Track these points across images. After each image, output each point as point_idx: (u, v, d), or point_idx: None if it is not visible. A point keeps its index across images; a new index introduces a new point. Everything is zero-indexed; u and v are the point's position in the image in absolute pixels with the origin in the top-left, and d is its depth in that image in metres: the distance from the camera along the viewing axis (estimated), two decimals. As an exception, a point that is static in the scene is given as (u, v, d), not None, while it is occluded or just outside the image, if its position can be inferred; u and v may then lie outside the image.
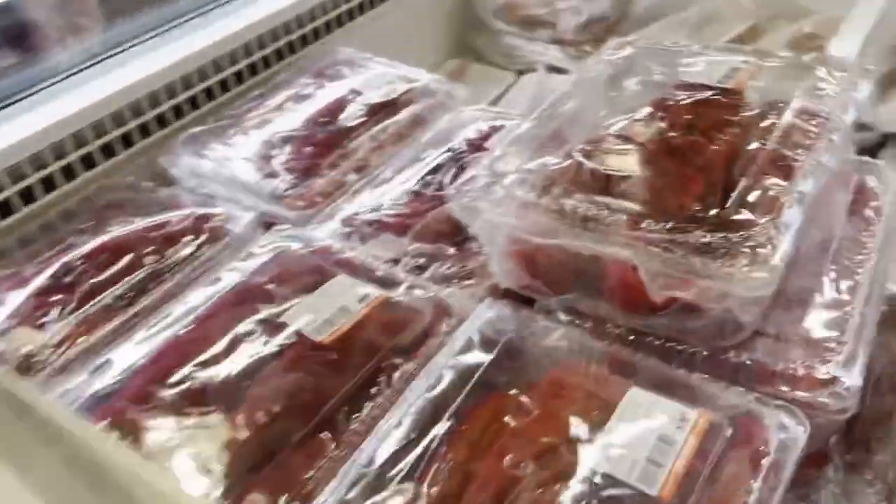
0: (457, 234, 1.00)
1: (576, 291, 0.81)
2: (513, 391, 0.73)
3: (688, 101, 0.88)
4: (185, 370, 0.79)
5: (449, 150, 1.17)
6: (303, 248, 0.97)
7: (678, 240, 0.69)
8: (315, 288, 0.89)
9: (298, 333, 0.82)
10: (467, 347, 0.78)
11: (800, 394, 0.72)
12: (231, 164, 1.17)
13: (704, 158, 0.78)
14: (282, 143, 1.22)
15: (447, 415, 0.71)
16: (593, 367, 0.75)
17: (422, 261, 0.95)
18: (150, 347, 0.84)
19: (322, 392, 0.76)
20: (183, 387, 0.77)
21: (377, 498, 0.65)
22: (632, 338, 0.80)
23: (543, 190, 0.80)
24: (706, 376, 0.72)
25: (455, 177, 1.09)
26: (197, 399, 0.77)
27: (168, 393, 0.77)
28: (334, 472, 0.69)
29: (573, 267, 0.79)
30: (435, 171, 1.12)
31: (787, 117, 0.82)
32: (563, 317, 0.84)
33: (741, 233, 0.68)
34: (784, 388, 0.73)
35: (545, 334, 0.79)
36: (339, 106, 1.29)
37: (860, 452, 0.82)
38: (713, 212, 0.73)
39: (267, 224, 1.07)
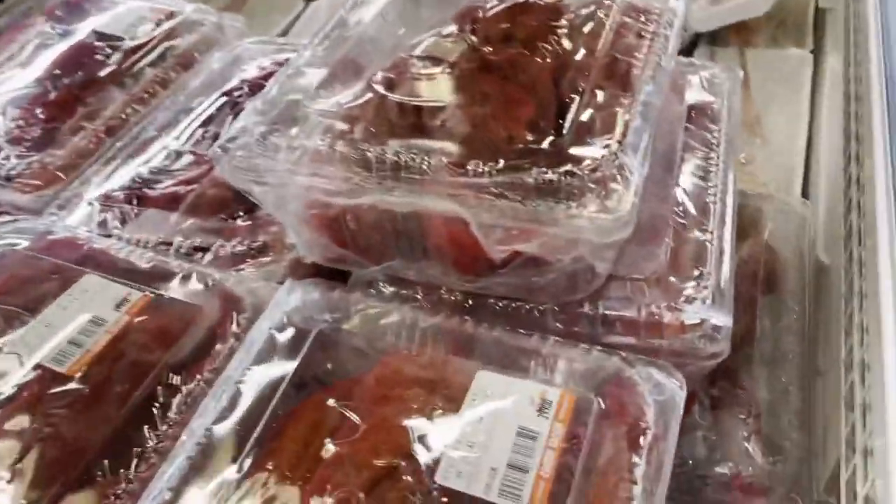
0: (242, 201, 0.81)
1: (397, 258, 0.65)
2: (331, 400, 0.56)
3: (500, 7, 0.72)
4: None
5: (224, 95, 0.95)
6: (36, 244, 0.73)
7: (513, 182, 0.54)
8: (55, 297, 0.66)
9: (36, 367, 0.60)
10: (268, 350, 0.60)
11: (667, 342, 0.62)
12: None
13: (529, 75, 0.64)
14: (5, 108, 0.95)
15: (247, 450, 0.54)
16: (429, 350, 0.60)
17: (199, 240, 0.74)
18: None
19: (69, 447, 0.56)
20: None
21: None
22: (470, 303, 0.66)
23: (340, 135, 0.62)
24: (562, 340, 0.59)
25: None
26: None
27: None
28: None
29: (390, 229, 0.62)
30: (208, 122, 0.90)
31: (616, 16, 0.69)
32: (386, 290, 0.69)
33: (586, 164, 0.55)
34: (650, 339, 0.62)
35: (367, 316, 0.63)
36: (79, 53, 1.02)
37: (724, 384, 0.75)
38: (548, 140, 0.59)
39: (-9, 216, 0.81)
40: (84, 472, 0.55)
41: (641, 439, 0.52)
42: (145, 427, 0.58)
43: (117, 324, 0.63)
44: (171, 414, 0.58)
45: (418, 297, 0.66)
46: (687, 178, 0.72)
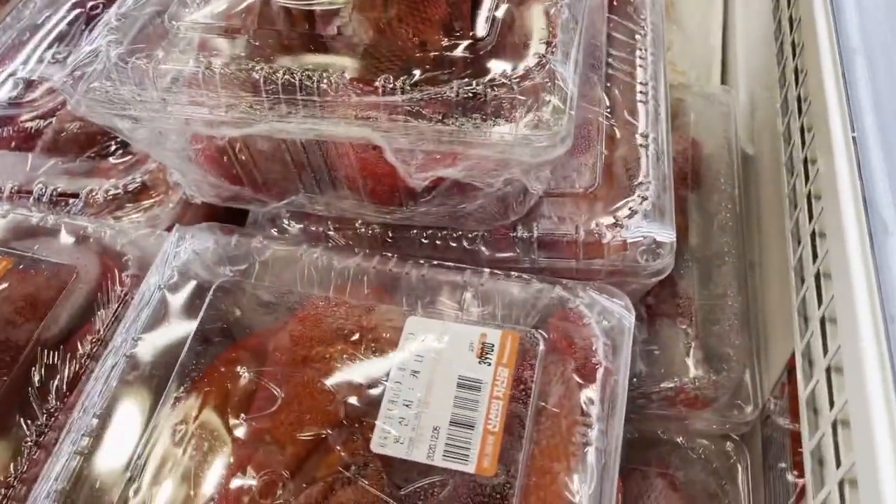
0: (112, 136, 0.69)
1: (301, 191, 0.56)
2: (240, 367, 0.49)
3: None
4: None
5: (77, 7, 0.80)
6: None
7: (431, 98, 0.46)
8: None
9: None
10: (160, 313, 0.52)
11: (608, 262, 0.57)
12: None
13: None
14: None
15: (144, 437, 0.46)
16: (348, 296, 0.53)
17: (63, 185, 0.63)
18: None
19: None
20: None
21: None
22: (390, 236, 0.59)
23: (217, 53, 0.52)
24: (497, 273, 0.53)
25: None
26: None
27: None
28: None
29: (289, 159, 0.54)
30: (60, 41, 0.76)
31: None
32: (291, 227, 0.61)
33: (515, 72, 0.47)
34: (590, 259, 0.57)
35: (274, 262, 0.54)
36: None
37: (660, 292, 0.71)
38: (466, 45, 0.50)
39: None
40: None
41: (593, 375, 0.48)
42: (21, 418, 0.49)
43: (-28, 296, 0.53)
44: (52, 400, 0.49)
45: (331, 233, 0.58)
46: (614, 75, 0.66)
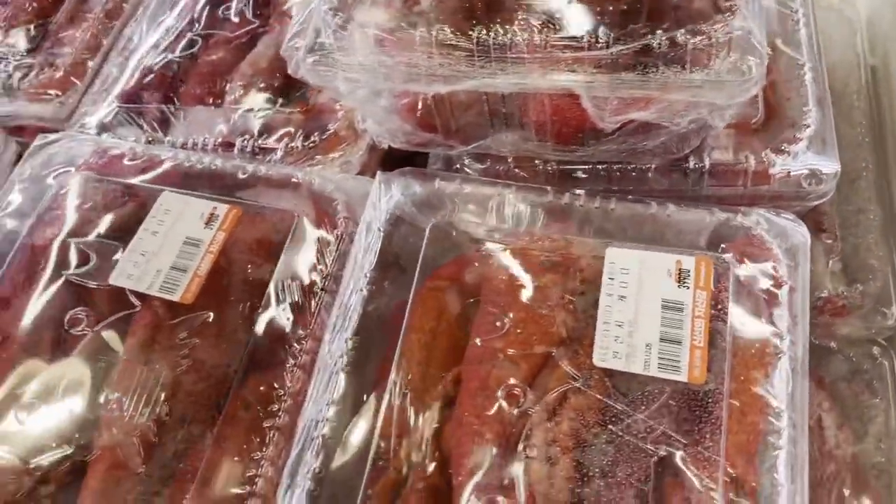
0: (281, 78, 0.76)
1: (489, 136, 0.62)
2: (452, 291, 0.56)
3: None
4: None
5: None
6: (92, 163, 0.68)
7: (635, 50, 0.51)
8: (136, 222, 0.63)
9: (149, 298, 0.59)
10: (384, 253, 0.59)
11: (774, 188, 0.62)
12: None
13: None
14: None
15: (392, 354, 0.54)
16: (545, 230, 0.59)
17: (254, 133, 0.69)
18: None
19: (210, 375, 0.56)
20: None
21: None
22: (567, 170, 0.65)
23: (416, 14, 0.57)
24: (683, 203, 0.59)
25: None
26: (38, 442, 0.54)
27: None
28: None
29: (486, 110, 0.59)
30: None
31: None
32: (471, 167, 0.67)
33: (711, 21, 0.51)
34: (757, 186, 0.62)
35: (475, 202, 0.61)
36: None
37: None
38: (651, -7, 0.54)
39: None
40: (233, 397, 0.56)
41: (778, 292, 0.54)
42: (277, 344, 0.58)
43: (215, 242, 0.61)
44: (300, 330, 0.58)
45: (517, 173, 0.64)
46: (769, 5, 0.69)
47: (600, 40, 0.51)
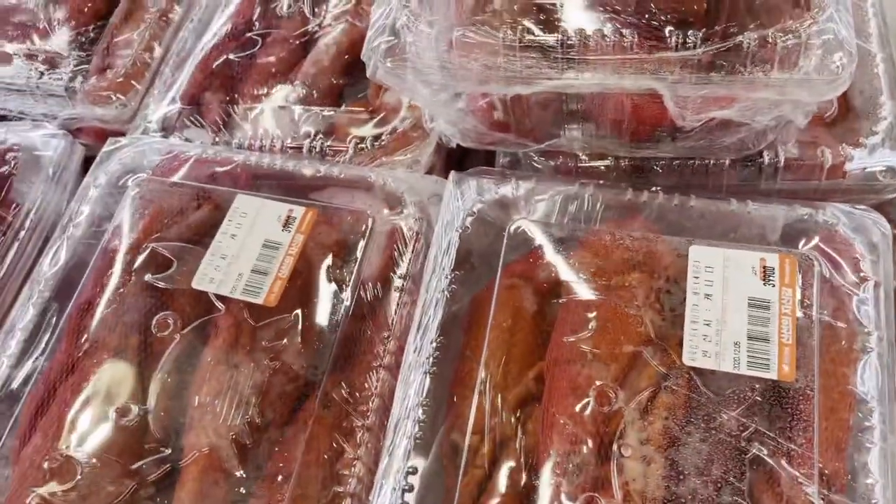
0: (344, 77, 0.76)
1: (563, 135, 0.62)
2: (529, 292, 0.57)
3: None
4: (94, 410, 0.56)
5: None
6: (164, 167, 0.69)
7: (723, 51, 0.51)
8: (212, 226, 0.64)
9: (232, 302, 0.60)
10: (462, 253, 0.60)
11: (849, 182, 0.62)
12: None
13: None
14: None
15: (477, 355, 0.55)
16: (624, 227, 0.60)
17: (319, 133, 0.70)
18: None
19: (297, 376, 0.57)
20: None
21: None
22: (642, 165, 0.65)
23: (490, 13, 0.57)
24: (763, 200, 0.59)
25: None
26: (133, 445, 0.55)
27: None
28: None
29: (562, 109, 0.59)
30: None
31: None
32: (542, 164, 0.67)
33: (798, 21, 0.51)
34: (832, 180, 0.62)
35: (554, 200, 0.61)
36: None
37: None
38: (735, -7, 0.54)
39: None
40: (321, 398, 0.57)
41: (863, 288, 0.54)
42: (361, 346, 0.59)
43: (294, 244, 0.62)
44: (384, 334, 0.59)
45: (589, 168, 0.65)
46: (837, -4, 0.68)
47: (689, 41, 0.51)
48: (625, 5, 0.54)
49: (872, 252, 0.56)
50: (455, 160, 0.74)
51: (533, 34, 0.53)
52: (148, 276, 0.61)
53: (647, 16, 0.54)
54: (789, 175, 0.63)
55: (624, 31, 0.53)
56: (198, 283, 0.60)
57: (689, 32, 0.52)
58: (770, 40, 0.50)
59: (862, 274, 0.55)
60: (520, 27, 0.53)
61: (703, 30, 0.52)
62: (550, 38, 0.53)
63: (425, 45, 0.56)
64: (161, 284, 0.61)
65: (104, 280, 0.62)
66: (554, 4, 0.55)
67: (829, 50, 0.51)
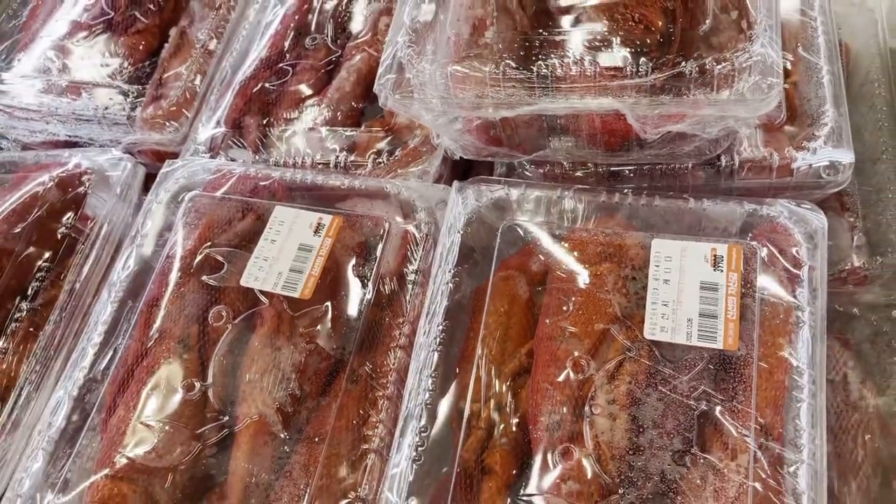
0: (363, 100, 0.88)
1: (548, 147, 0.73)
2: (522, 281, 0.68)
3: None
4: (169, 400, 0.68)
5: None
6: (213, 184, 0.81)
7: (670, 76, 0.61)
8: (256, 233, 0.76)
9: (269, 295, 0.72)
10: (464, 251, 0.71)
11: (797, 179, 0.72)
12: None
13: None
14: (77, 33, 0.97)
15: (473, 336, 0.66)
16: (600, 225, 0.70)
17: (344, 150, 0.82)
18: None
19: (329, 356, 0.69)
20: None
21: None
22: (615, 170, 0.75)
23: (482, 46, 0.68)
24: (716, 198, 0.69)
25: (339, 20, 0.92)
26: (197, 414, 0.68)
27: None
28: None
29: (545, 126, 0.70)
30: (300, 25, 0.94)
31: None
32: (532, 171, 0.78)
33: (732, 49, 0.61)
34: (782, 178, 0.72)
35: (540, 203, 0.72)
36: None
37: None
38: (683, 27, 0.64)
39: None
40: (349, 373, 0.68)
41: (800, 271, 0.64)
42: (381, 329, 0.70)
43: (324, 247, 0.74)
44: (399, 320, 0.70)
45: (571, 174, 0.75)
46: (790, 9, 0.78)
47: (640, 69, 0.62)
48: (588, 41, 0.65)
49: (810, 241, 0.66)
50: (462, 169, 0.85)
51: (512, 68, 0.64)
52: (204, 277, 0.74)
53: (608, 48, 0.64)
54: (744, 175, 0.73)
55: (589, 63, 0.63)
56: (245, 281, 0.73)
57: (641, 62, 0.62)
58: (708, 68, 0.60)
59: (799, 259, 0.65)
60: (502, 63, 0.64)
61: (655, 59, 0.62)
62: (527, 72, 0.64)
63: (426, 79, 0.67)
64: (214, 283, 0.73)
65: (167, 280, 0.75)
66: (531, 42, 0.66)
67: (761, 73, 0.61)
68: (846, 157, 0.70)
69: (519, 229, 0.72)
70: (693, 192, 0.71)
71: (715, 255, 0.65)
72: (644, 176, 0.74)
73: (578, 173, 0.77)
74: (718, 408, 0.60)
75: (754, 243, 0.66)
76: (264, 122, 0.88)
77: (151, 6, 0.98)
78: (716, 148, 0.70)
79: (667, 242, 0.67)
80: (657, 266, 0.66)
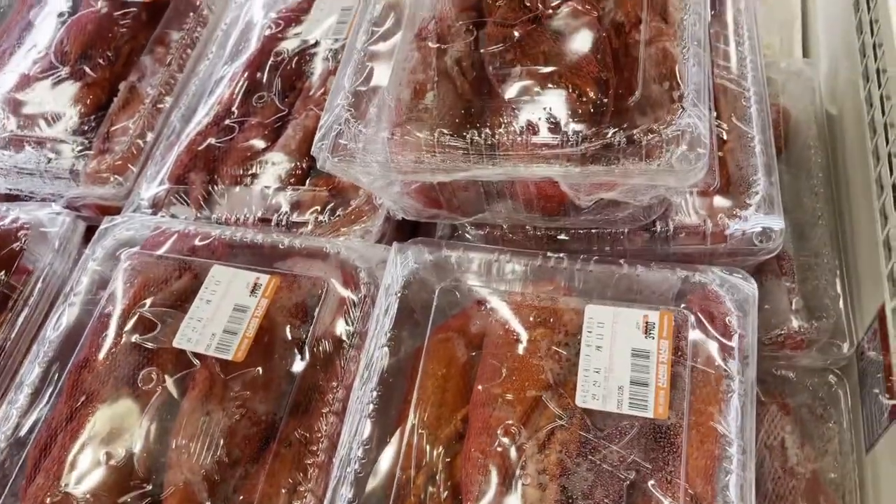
0: (308, 158, 0.88)
1: (487, 211, 0.74)
2: (460, 344, 0.68)
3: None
4: (91, 453, 0.66)
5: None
6: (151, 242, 0.80)
7: (601, 147, 0.62)
8: (192, 292, 0.75)
9: (207, 358, 0.70)
10: (401, 312, 0.70)
11: (730, 245, 0.73)
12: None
13: (589, 25, 0.69)
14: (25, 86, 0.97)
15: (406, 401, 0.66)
16: (536, 289, 0.70)
17: (286, 210, 0.82)
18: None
19: (262, 421, 0.67)
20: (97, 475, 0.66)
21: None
22: (553, 235, 0.76)
23: (421, 110, 0.68)
24: (649, 265, 0.69)
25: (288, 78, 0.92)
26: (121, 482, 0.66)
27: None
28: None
29: (482, 190, 0.71)
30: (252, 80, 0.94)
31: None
32: (472, 233, 0.78)
33: (661, 120, 0.62)
34: (715, 244, 0.73)
35: (479, 267, 0.72)
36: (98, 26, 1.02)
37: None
38: (614, 97, 0.65)
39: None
40: (279, 439, 0.67)
41: (730, 339, 0.65)
42: (314, 393, 0.69)
43: (259, 307, 0.73)
44: (334, 383, 0.69)
45: (511, 237, 0.76)
46: (720, 83, 0.80)
47: (570, 139, 0.63)
48: (523, 109, 0.66)
49: (741, 309, 0.66)
50: (408, 229, 0.85)
51: (446, 136, 0.65)
52: (136, 337, 0.72)
53: (543, 117, 0.65)
54: (680, 240, 0.73)
55: (521, 132, 0.64)
56: (178, 343, 0.71)
57: (573, 130, 0.63)
58: (637, 138, 0.62)
59: (730, 328, 0.65)
60: (436, 132, 0.65)
61: (587, 128, 0.63)
62: (463, 139, 0.65)
63: (365, 143, 0.68)
64: (147, 344, 0.72)
65: (99, 341, 0.73)
66: (469, 108, 0.67)
67: (689, 144, 0.62)
68: (777, 223, 0.71)
69: (457, 292, 0.71)
70: (631, 257, 0.72)
71: (647, 322, 0.65)
72: (582, 240, 0.75)
73: (518, 236, 0.77)
74: (648, 478, 0.59)
75: (686, 311, 0.66)
76: (209, 178, 0.88)
77: (101, 60, 0.97)
78: (649, 214, 0.71)
79: (600, 308, 0.67)
80: (590, 332, 0.66)
